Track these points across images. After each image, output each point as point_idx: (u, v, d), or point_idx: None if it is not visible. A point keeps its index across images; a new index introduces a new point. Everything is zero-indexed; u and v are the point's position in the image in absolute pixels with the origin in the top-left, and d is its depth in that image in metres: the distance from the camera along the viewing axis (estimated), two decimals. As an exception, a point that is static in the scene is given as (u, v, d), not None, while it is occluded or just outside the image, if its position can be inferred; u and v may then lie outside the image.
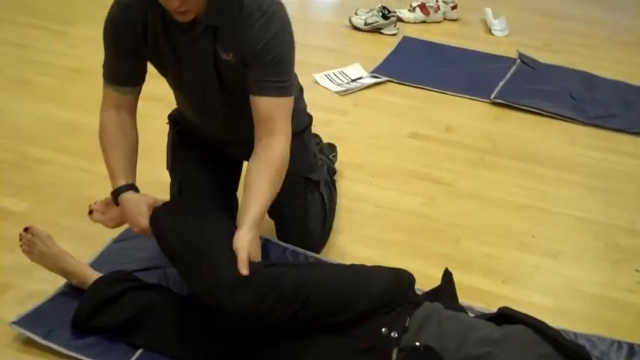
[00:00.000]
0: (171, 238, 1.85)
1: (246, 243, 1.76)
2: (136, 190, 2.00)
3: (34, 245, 2.05)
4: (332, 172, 2.67)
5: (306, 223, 2.29)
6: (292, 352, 1.74)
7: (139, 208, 1.93)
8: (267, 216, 2.10)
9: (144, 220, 1.91)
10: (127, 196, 1.96)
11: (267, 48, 1.86)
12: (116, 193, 1.98)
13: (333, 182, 2.59)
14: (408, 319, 1.74)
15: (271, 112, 1.90)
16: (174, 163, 2.33)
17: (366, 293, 1.75)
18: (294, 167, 2.01)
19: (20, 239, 2.06)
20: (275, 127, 1.91)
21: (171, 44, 1.95)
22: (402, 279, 1.87)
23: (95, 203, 2.07)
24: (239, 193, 2.26)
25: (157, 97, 3.22)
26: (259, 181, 1.88)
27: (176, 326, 1.89)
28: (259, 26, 1.84)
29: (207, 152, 2.27)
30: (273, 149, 1.90)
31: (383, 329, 1.71)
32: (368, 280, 1.80)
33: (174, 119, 2.35)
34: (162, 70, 2.08)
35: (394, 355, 1.69)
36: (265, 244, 2.19)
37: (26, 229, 2.06)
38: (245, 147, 1.99)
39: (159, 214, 1.92)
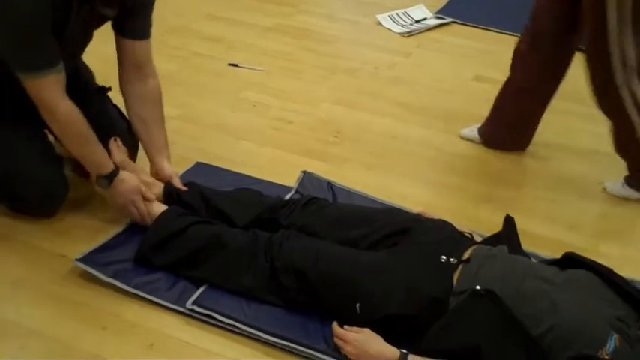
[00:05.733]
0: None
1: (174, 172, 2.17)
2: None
3: None
4: None
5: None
6: (357, 271, 1.77)
7: (136, 180, 2.06)
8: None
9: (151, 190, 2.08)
10: (125, 175, 2.05)
11: None
12: (112, 176, 2.00)
13: None
14: (469, 250, 1.76)
15: (145, 55, 2.09)
16: None
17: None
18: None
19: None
20: (147, 70, 2.11)
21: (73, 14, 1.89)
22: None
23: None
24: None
25: (216, 37, 3.22)
26: (158, 120, 2.16)
27: (242, 254, 1.89)
28: None
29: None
30: (155, 90, 2.14)
31: (442, 257, 1.74)
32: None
33: None
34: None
35: (455, 280, 1.69)
36: (332, 187, 2.37)
37: None
38: None
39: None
